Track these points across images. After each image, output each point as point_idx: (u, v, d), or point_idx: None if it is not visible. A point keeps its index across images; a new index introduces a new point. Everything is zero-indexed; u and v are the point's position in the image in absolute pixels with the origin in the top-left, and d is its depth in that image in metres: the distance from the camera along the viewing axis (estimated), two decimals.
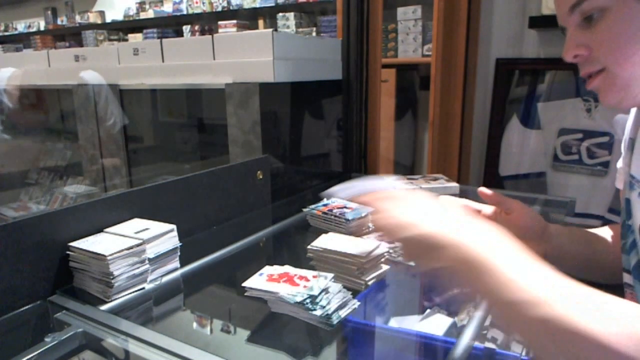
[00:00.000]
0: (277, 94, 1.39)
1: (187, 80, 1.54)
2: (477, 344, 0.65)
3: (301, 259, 0.90)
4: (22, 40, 5.44)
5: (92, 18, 4.68)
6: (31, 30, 5.33)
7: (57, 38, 5.16)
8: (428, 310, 0.88)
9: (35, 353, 0.64)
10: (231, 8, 3.69)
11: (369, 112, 1.78)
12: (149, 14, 4.20)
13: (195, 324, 0.83)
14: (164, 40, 1.58)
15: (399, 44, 2.66)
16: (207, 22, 3.90)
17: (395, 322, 0.87)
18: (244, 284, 0.78)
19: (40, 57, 2.08)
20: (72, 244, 0.82)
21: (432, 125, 1.94)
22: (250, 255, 1.08)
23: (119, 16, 4.52)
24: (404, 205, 0.60)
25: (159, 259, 0.88)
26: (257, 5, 3.54)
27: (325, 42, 1.80)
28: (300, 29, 3.36)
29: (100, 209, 0.90)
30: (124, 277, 0.81)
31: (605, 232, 0.90)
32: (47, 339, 0.67)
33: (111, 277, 0.79)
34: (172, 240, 0.90)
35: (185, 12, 3.99)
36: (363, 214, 1.10)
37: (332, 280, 0.78)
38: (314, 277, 0.78)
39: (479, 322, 0.68)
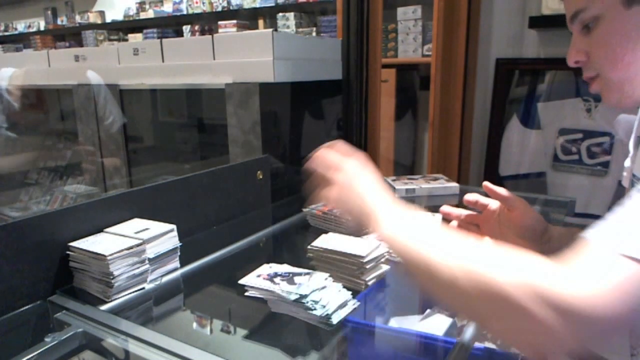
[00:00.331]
0: (277, 94, 1.39)
1: (187, 80, 1.54)
2: (477, 344, 0.65)
3: (301, 259, 0.90)
4: (22, 40, 5.43)
5: (92, 18, 4.68)
6: (31, 30, 5.33)
7: (57, 38, 5.15)
8: (428, 310, 0.88)
9: (35, 353, 0.65)
10: (231, 8, 3.68)
11: (369, 112, 1.77)
12: (149, 14, 4.20)
13: (195, 324, 0.83)
14: (164, 40, 1.59)
15: (399, 44, 2.66)
16: (207, 22, 3.89)
17: (395, 322, 0.87)
18: (240, 281, 0.78)
19: (40, 57, 2.08)
20: (72, 244, 0.82)
21: (432, 125, 1.94)
22: (251, 255, 1.08)
23: (119, 16, 4.52)
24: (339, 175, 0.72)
25: (159, 259, 0.88)
26: (257, 5, 3.53)
27: (325, 42, 1.80)
28: (300, 29, 3.36)
29: (100, 209, 0.90)
30: (124, 277, 0.81)
31: None
32: (47, 339, 0.67)
33: (111, 277, 0.79)
34: (172, 240, 0.90)
35: (185, 12, 3.98)
36: None
37: (328, 279, 0.78)
38: (306, 275, 0.78)
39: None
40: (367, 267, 0.84)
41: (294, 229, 1.21)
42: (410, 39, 2.62)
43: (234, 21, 3.56)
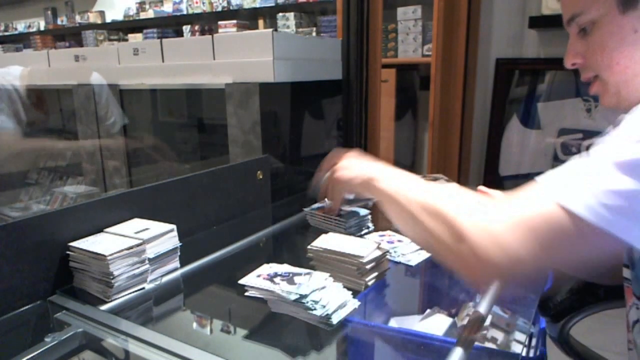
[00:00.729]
0: (277, 94, 1.39)
1: (187, 80, 1.54)
2: (477, 344, 0.65)
3: (301, 259, 0.90)
4: (22, 40, 5.43)
5: (92, 18, 4.67)
6: (31, 30, 5.33)
7: (57, 38, 5.15)
8: (428, 310, 0.88)
9: (35, 353, 0.65)
10: (231, 8, 3.68)
11: (369, 112, 1.77)
12: (149, 14, 4.20)
13: (195, 324, 0.83)
14: (164, 40, 1.59)
15: (399, 44, 2.66)
16: (207, 22, 3.89)
17: (395, 322, 0.87)
18: (240, 281, 0.78)
19: (40, 57, 2.08)
20: (72, 244, 0.82)
21: (432, 125, 1.94)
22: (251, 255, 1.08)
23: (119, 16, 4.52)
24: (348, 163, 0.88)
25: (159, 259, 0.88)
26: (257, 5, 3.53)
27: (325, 42, 1.80)
28: (300, 29, 3.36)
29: (100, 209, 0.90)
30: (124, 277, 0.81)
31: None
32: (47, 339, 0.67)
33: (111, 277, 0.79)
34: (172, 240, 0.90)
35: (185, 12, 3.98)
36: (363, 214, 1.10)
37: (328, 279, 0.78)
38: (306, 275, 0.78)
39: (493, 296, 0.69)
40: (367, 267, 0.84)
41: (293, 229, 1.21)
42: (410, 39, 2.62)
43: (234, 21, 3.56)
